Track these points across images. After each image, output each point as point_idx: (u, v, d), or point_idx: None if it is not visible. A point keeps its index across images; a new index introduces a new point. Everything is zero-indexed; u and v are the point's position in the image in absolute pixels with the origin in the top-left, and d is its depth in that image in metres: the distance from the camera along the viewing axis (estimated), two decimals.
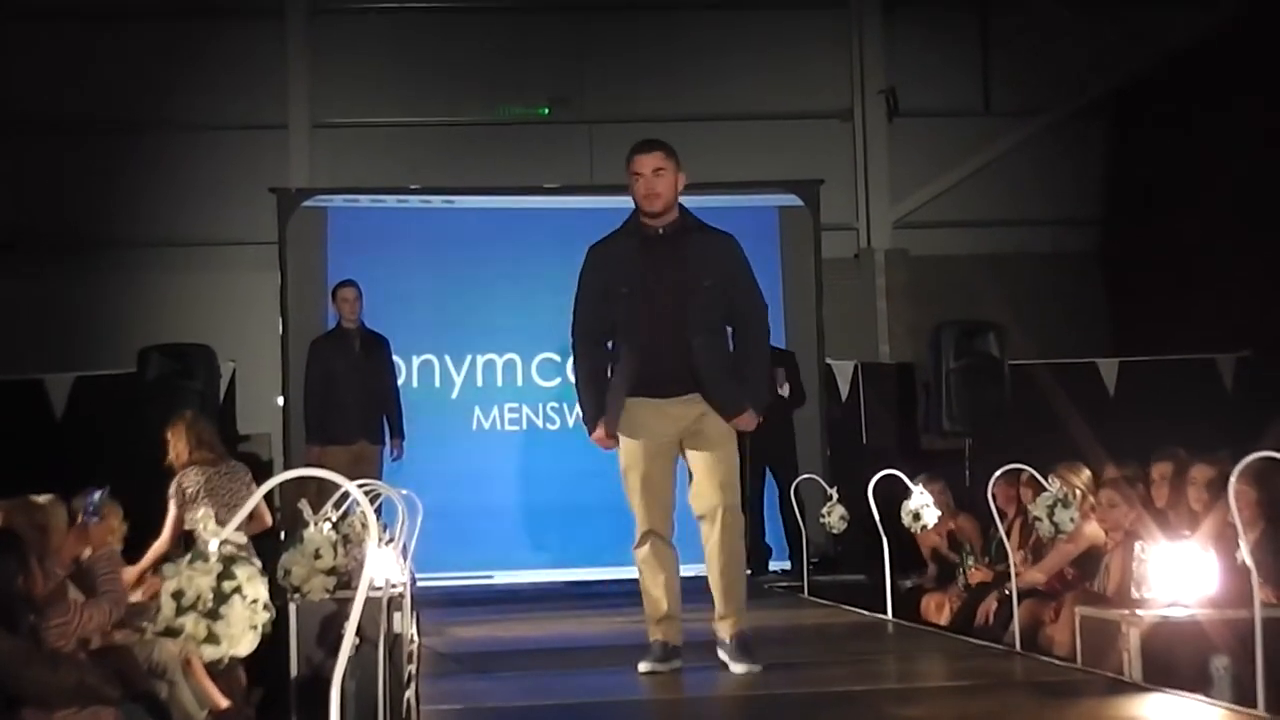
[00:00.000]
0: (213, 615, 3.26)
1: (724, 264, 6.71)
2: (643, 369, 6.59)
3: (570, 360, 7.07)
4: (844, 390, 13.37)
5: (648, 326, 6.59)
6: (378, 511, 6.73)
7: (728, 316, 6.73)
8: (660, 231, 6.67)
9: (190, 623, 3.26)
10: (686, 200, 13.76)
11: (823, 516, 10.28)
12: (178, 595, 3.28)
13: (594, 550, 12.40)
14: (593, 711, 6.18)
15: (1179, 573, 7.42)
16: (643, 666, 6.64)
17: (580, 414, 6.89)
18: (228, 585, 3.28)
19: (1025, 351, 12.83)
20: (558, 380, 12.85)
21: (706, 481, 6.62)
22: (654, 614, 6.79)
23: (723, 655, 6.59)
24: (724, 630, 6.63)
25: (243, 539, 3.72)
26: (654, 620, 6.76)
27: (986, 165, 14.70)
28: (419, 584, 7.96)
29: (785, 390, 11.64)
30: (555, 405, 12.93)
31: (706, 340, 6.63)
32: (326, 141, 14.52)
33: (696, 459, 6.67)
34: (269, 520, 8.57)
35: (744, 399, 6.66)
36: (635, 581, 11.93)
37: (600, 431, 6.62)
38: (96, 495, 6.24)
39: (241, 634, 3.31)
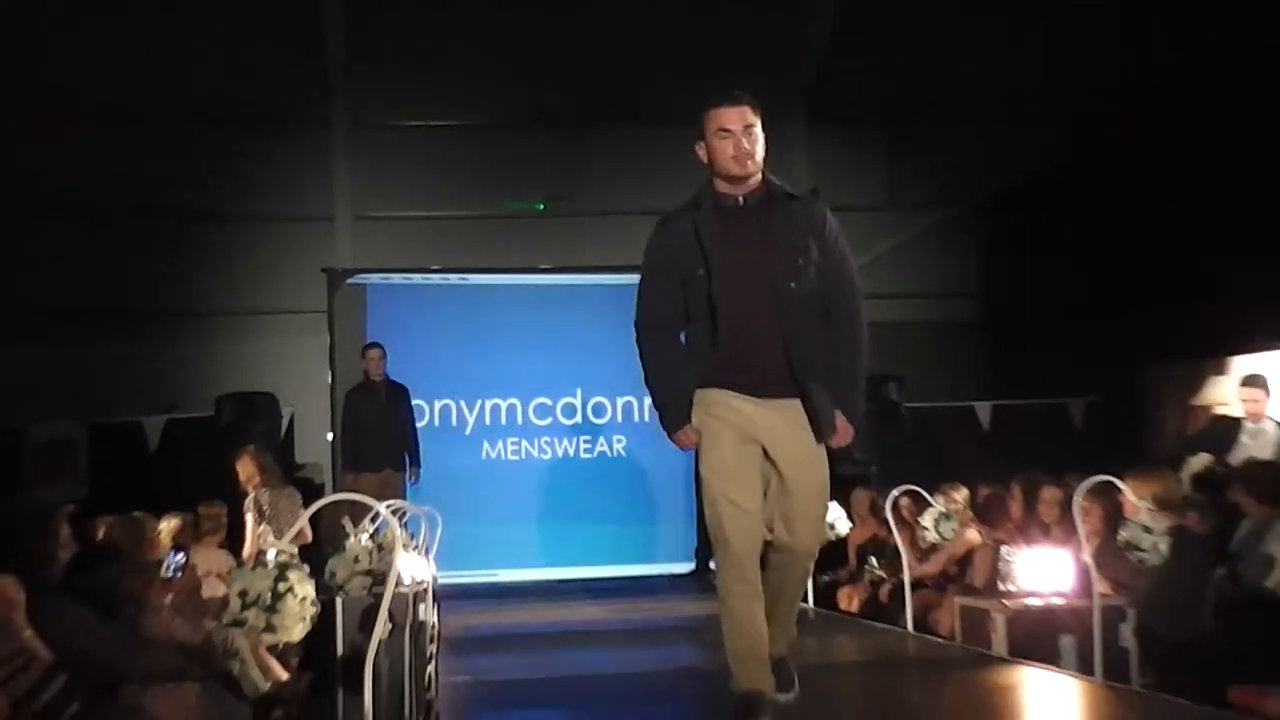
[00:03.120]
0: (270, 609, 3.33)
1: (821, 236, 4.56)
2: (726, 367, 4.51)
3: (639, 355, 4.70)
4: None
5: (732, 315, 4.48)
6: (405, 525, 6.78)
7: (823, 301, 4.58)
8: (742, 201, 4.57)
9: (252, 615, 3.33)
10: (632, 281, 13.75)
11: None
12: (243, 594, 3.35)
13: (581, 552, 12.55)
14: (580, 683, 6.21)
15: (1035, 570, 7.51)
16: None
17: (658, 415, 4.71)
18: (282, 586, 3.35)
19: (920, 397, 12.89)
20: (550, 420, 12.99)
21: (796, 514, 4.49)
22: (743, 654, 4.54)
23: None
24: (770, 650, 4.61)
25: (294, 549, 3.76)
26: (740, 659, 4.53)
27: (892, 249, 14.66)
28: (439, 581, 7.96)
29: None
30: (547, 439, 13.00)
31: (806, 331, 4.51)
32: (366, 230, 14.53)
33: (783, 481, 4.52)
34: (309, 537, 8.59)
35: (840, 407, 4.52)
36: (615, 580, 12.02)
37: (688, 434, 4.56)
38: (178, 557, 6.19)
39: (294, 624, 3.38)
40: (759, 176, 4.55)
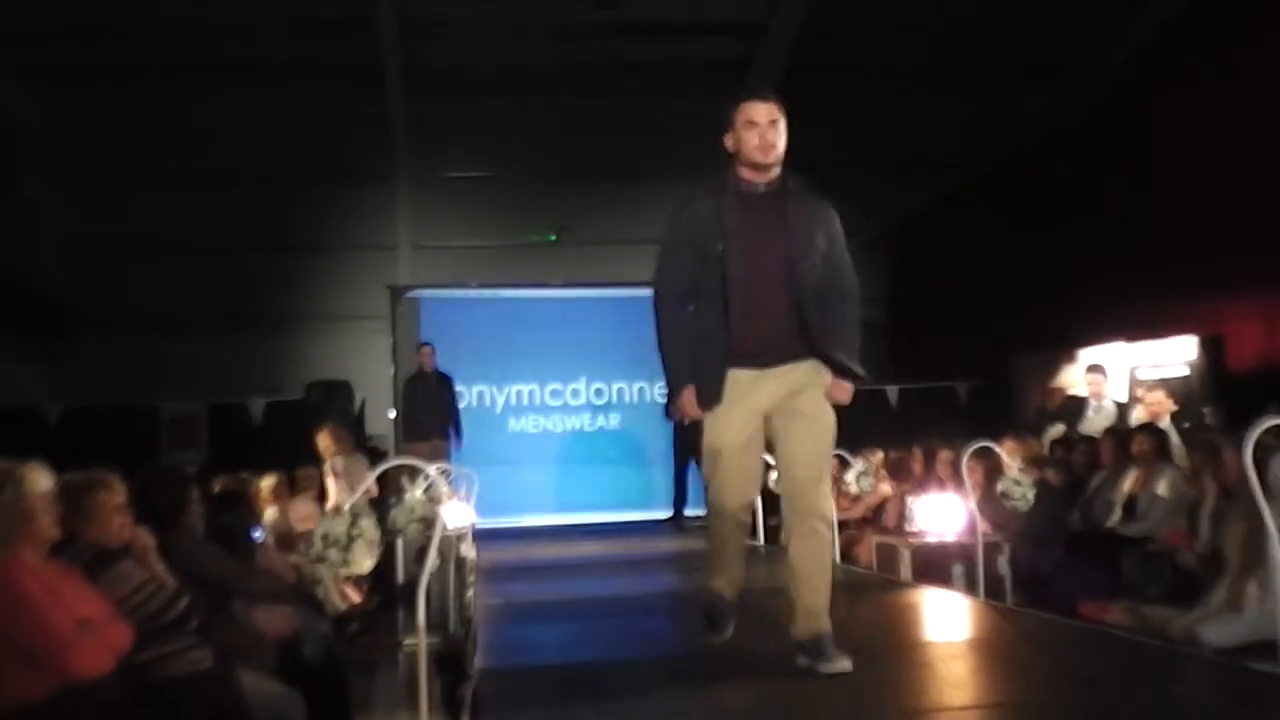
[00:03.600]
0: (346, 549, 3.30)
1: (830, 232, 4.08)
2: (743, 336, 3.90)
3: (654, 319, 4.08)
4: None
5: (749, 290, 3.92)
6: (451, 482, 6.75)
7: (830, 287, 4.02)
8: (762, 189, 4.02)
9: (332, 553, 3.29)
10: (624, 294, 13.82)
11: None
12: (324, 536, 3.31)
13: (585, 501, 12.49)
14: (584, 603, 6.19)
15: (933, 515, 7.49)
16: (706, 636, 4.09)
17: (665, 382, 4.11)
18: (355, 530, 3.31)
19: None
20: (561, 401, 12.99)
21: (803, 472, 3.93)
22: (716, 571, 4.14)
23: (804, 659, 3.82)
24: (805, 631, 3.87)
25: (365, 502, 3.73)
26: (713, 569, 4.14)
27: None
28: (477, 525, 7.93)
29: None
30: (560, 416, 12.99)
31: (817, 302, 3.96)
32: (421, 256, 14.53)
33: (792, 438, 3.96)
34: (375, 492, 8.51)
35: (845, 369, 3.97)
36: (612, 524, 11.95)
37: (690, 396, 3.96)
38: (258, 533, 6.06)
39: (364, 560, 3.35)
40: (778, 170, 4.01)
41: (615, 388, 13.05)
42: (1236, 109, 10.09)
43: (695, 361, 3.95)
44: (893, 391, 13.12)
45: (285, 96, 13.22)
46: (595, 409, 13.04)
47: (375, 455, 10.77)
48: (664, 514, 11.71)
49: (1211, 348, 10.28)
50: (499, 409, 12.85)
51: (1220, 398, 9.90)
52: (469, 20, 12.61)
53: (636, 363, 12.72)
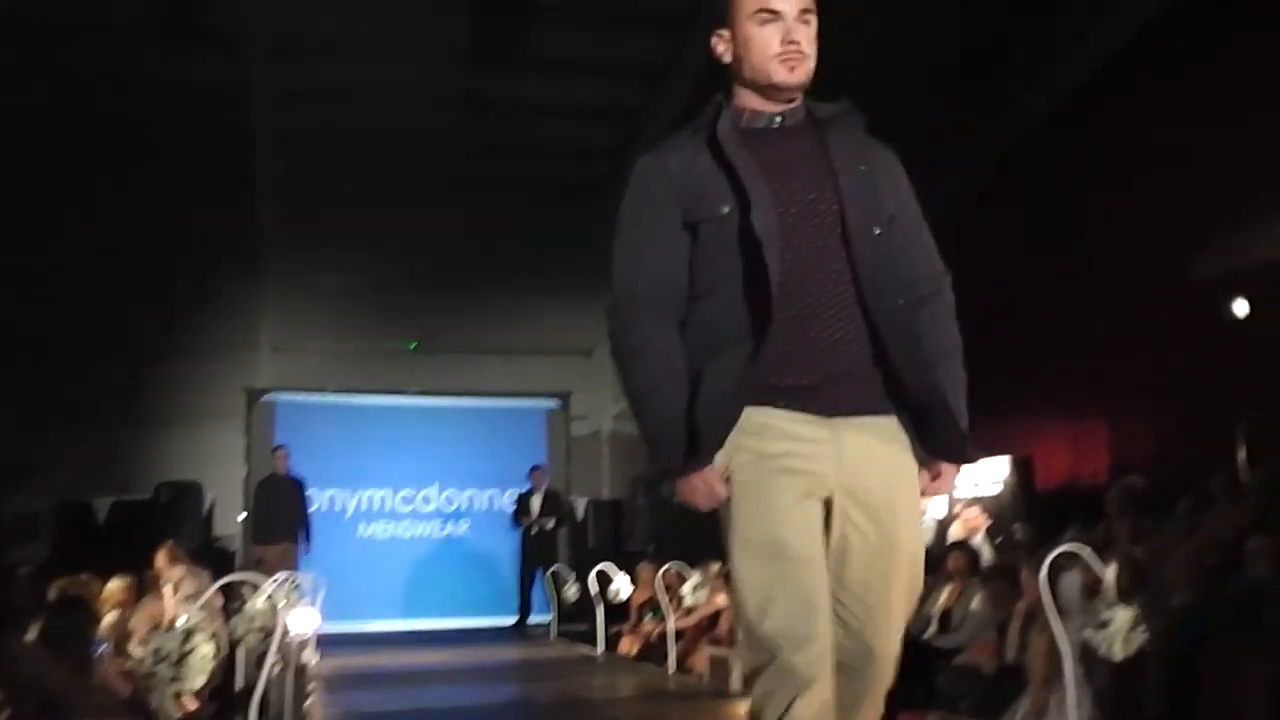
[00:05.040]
0: (177, 665, 3.21)
1: (900, 190, 2.35)
2: (778, 364, 2.16)
3: (613, 346, 2.32)
4: (580, 515, 13.37)
5: (788, 273, 2.15)
6: (297, 587, 6.60)
7: (913, 280, 2.30)
8: (779, 122, 2.32)
9: (162, 669, 3.21)
10: (480, 404, 13.73)
11: (565, 591, 10.29)
12: (156, 652, 3.22)
13: (433, 608, 12.21)
14: (430, 715, 6.08)
15: None
16: None
17: (651, 449, 2.28)
18: (187, 647, 3.24)
19: None
20: (412, 507, 12.83)
21: (881, 602, 2.19)
22: None
23: None
24: None
25: (202, 614, 3.63)
26: None
27: None
28: (322, 630, 7.73)
29: (551, 523, 11.63)
30: (410, 522, 12.79)
31: (904, 308, 2.23)
32: (281, 358, 14.21)
33: (866, 547, 2.19)
34: (219, 603, 8.22)
35: (953, 435, 2.23)
36: (459, 631, 11.76)
37: (703, 473, 2.16)
38: (102, 647, 5.77)
39: (196, 676, 3.26)
40: (801, 98, 2.34)
41: (467, 495, 12.96)
42: (1045, 241, 10.70)
43: (709, 402, 2.17)
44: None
45: (154, 192, 12.97)
46: (446, 516, 12.91)
47: (223, 557, 10.48)
48: (509, 620, 11.61)
49: (1022, 468, 10.73)
50: (350, 513, 12.61)
51: (1030, 515, 10.31)
52: (341, 126, 12.64)
53: (489, 471, 12.72)
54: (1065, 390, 10.28)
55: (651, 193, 2.33)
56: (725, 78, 2.41)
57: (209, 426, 13.46)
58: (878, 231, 2.24)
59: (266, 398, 12.68)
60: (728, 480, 2.21)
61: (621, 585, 8.97)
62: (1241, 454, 8.68)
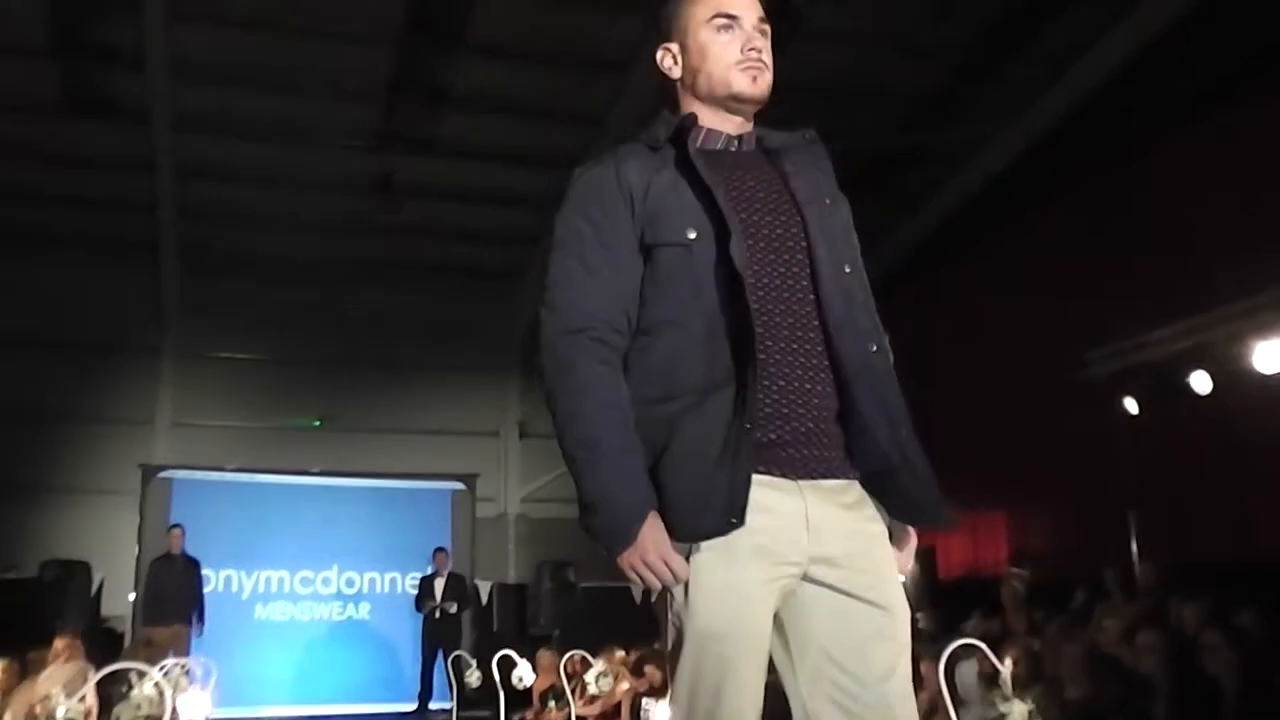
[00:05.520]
0: None
1: (852, 229, 2.10)
2: (754, 408, 1.84)
3: (547, 382, 1.96)
4: (485, 599, 13.19)
5: (763, 313, 1.89)
6: (188, 672, 6.40)
7: (879, 332, 2.03)
8: (737, 144, 2.08)
9: None
10: (389, 485, 13.58)
11: (467, 676, 10.10)
12: None
13: (331, 693, 11.85)
14: None
15: (666, 715, 7.53)
16: None
17: (591, 517, 1.88)
18: None
19: (591, 577, 12.86)
20: (311, 589, 12.51)
21: (881, 694, 1.84)
22: None
23: None
24: None
25: (83, 707, 3.51)
26: None
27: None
28: (213, 717, 7.47)
29: (455, 606, 11.46)
30: (308, 604, 12.45)
31: (879, 354, 1.99)
32: (179, 434, 13.87)
33: (852, 630, 1.88)
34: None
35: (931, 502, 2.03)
36: (357, 716, 11.48)
37: (656, 532, 1.82)
38: None
39: None
40: (753, 117, 2.13)
41: (367, 577, 12.69)
42: (947, 337, 10.98)
43: (672, 459, 1.87)
44: (637, 588, 13.21)
45: (54, 264, 12.76)
46: (345, 598, 12.62)
47: (111, 638, 10.13)
48: (408, 706, 11.36)
49: (925, 558, 10.89)
50: (246, 594, 12.26)
51: (933, 603, 10.46)
52: (249, 206, 12.55)
53: (391, 553, 12.52)
54: (965, 482, 10.48)
55: (609, 204, 1.98)
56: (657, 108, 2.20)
57: (101, 503, 13.06)
58: (848, 270, 2.02)
59: (163, 474, 12.36)
60: (685, 557, 1.86)
61: (524, 672, 8.83)
62: (1134, 546, 8.93)
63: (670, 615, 1.91)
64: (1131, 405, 8.83)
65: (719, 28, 2.07)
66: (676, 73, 2.12)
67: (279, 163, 11.68)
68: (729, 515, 1.82)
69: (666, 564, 1.85)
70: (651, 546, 1.84)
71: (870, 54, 9.63)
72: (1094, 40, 9.47)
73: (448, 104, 10.62)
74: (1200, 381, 8.12)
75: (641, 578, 1.86)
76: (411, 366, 14.35)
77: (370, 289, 13.94)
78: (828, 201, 2.07)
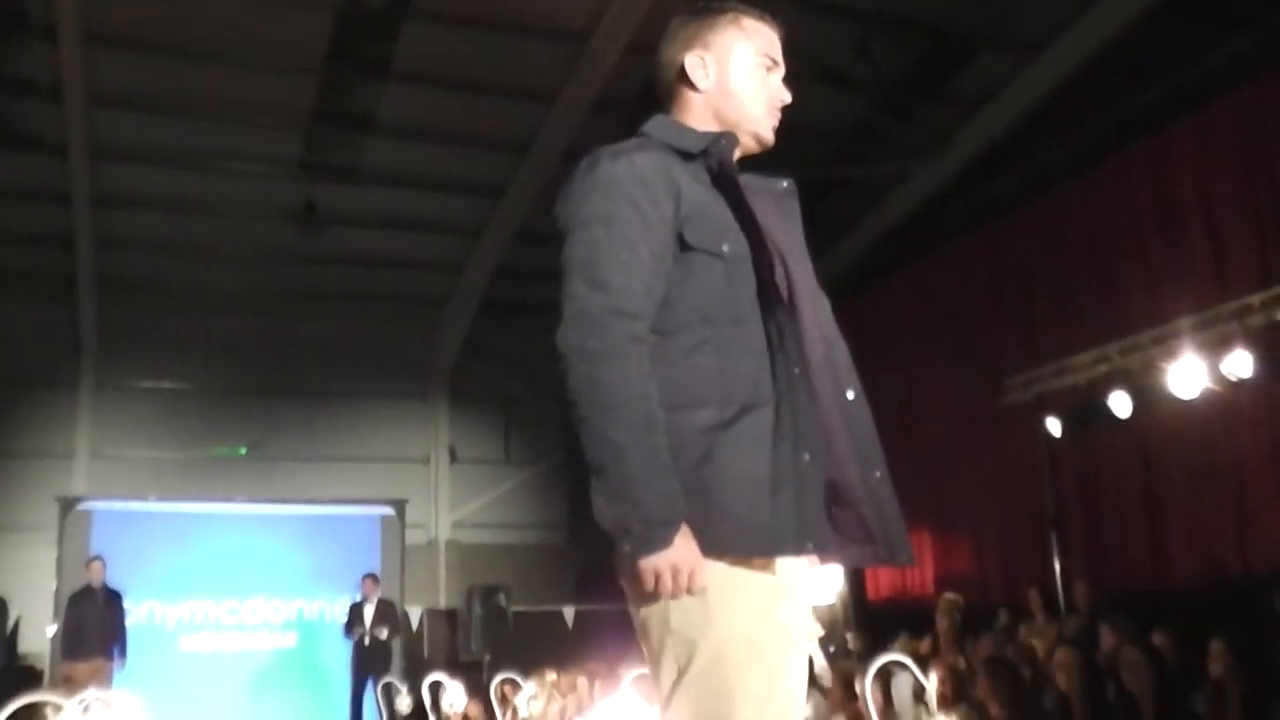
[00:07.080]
0: None
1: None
2: (807, 440, 1.87)
3: (578, 367, 1.88)
4: (415, 625, 13.12)
5: (811, 346, 1.94)
6: (110, 708, 6.32)
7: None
8: (753, 180, 2.06)
9: None
10: (316, 512, 13.45)
11: (398, 703, 10.08)
12: None
13: None
14: None
15: None
16: None
17: (620, 498, 1.79)
18: None
19: (523, 602, 12.88)
20: (237, 619, 12.33)
21: None
22: None
23: None
24: None
25: None
26: None
27: (504, 492, 14.75)
28: None
29: (385, 633, 11.39)
30: (234, 635, 12.26)
31: (854, 403, 2.07)
32: (99, 466, 13.60)
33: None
34: None
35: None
36: None
37: (690, 545, 1.77)
38: None
39: None
40: None
41: (295, 606, 12.53)
42: (872, 364, 11.16)
43: (723, 472, 1.82)
44: (569, 612, 13.25)
45: None
46: (273, 627, 12.45)
47: (29, 676, 9.92)
48: None
49: (854, 579, 11.06)
50: (170, 626, 12.04)
51: (861, 623, 10.63)
52: (169, 236, 12.43)
53: (319, 581, 12.41)
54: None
55: (659, 199, 1.89)
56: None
57: (16, 540, 12.78)
58: (829, 312, 2.05)
59: (82, 506, 12.09)
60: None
61: (455, 697, 8.84)
62: (1056, 567, 9.16)
63: (678, 634, 1.86)
64: (1054, 427, 9.04)
65: (766, 68, 2.08)
66: (705, 84, 2.06)
67: (200, 192, 11.57)
68: (802, 538, 1.81)
69: (693, 573, 1.80)
70: (687, 553, 1.78)
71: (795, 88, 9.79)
72: (1011, 78, 9.73)
73: (371, 132, 10.61)
74: (1120, 404, 8.34)
75: (662, 583, 1.80)
76: (338, 393, 14.27)
77: (295, 317, 13.84)
78: (803, 244, 2.08)
